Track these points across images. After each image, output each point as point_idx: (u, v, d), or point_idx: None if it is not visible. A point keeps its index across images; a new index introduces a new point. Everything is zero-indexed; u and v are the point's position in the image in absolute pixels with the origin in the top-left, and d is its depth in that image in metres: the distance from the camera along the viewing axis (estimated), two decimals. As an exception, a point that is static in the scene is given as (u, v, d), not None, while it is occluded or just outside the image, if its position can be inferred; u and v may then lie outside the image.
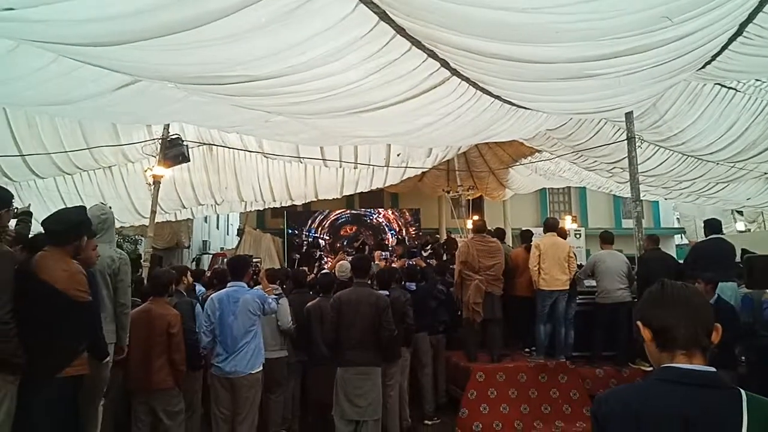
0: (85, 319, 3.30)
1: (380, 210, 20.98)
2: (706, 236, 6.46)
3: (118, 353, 4.10)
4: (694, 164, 9.42)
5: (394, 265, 8.82)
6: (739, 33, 4.24)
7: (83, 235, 3.44)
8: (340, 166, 10.22)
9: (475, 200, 19.19)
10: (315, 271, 12.07)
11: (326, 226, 20.40)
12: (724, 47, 4.50)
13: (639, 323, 1.54)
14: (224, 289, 4.89)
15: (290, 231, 19.69)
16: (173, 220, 12.17)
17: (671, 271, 6.15)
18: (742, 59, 4.71)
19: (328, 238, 20.00)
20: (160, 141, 7.68)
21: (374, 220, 20.52)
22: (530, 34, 3.36)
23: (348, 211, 20.71)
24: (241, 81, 3.83)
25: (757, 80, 6.84)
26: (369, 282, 5.27)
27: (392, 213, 20.66)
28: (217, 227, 26.18)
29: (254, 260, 12.19)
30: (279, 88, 4.11)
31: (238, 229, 21.86)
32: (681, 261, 7.04)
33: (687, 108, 7.37)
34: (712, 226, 6.48)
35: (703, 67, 5.01)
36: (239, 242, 17.36)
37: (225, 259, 14.04)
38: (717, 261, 5.84)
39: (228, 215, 26.71)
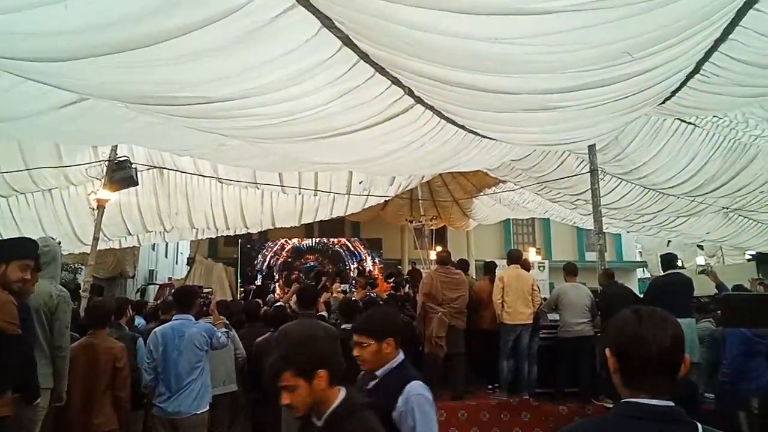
0: (12, 354, 3.08)
1: (341, 240, 20.91)
2: (663, 271, 6.66)
3: (56, 400, 3.87)
4: (655, 197, 9.79)
5: (354, 297, 8.75)
6: (696, 71, 4.49)
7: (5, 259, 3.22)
8: (299, 193, 10.18)
9: (439, 230, 19.37)
10: (269, 305, 11.88)
11: (283, 255, 20.18)
12: (683, 84, 4.75)
13: (607, 351, 1.54)
14: (169, 323, 4.73)
15: (244, 261, 19.37)
16: (117, 247, 11.80)
17: (630, 305, 6.28)
18: (700, 96, 4.98)
19: (284, 269, 19.78)
20: (106, 163, 7.49)
21: (335, 251, 20.43)
22: (495, 64, 3.47)
23: (306, 241, 20.58)
24: (196, 102, 3.79)
25: (714, 116, 7.22)
26: (317, 313, 5.23)
27: (354, 243, 20.62)
28: (166, 256, 25.56)
29: (205, 291, 11.89)
30: (236, 111, 4.09)
31: (188, 258, 21.37)
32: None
33: (648, 141, 7.69)
34: (669, 261, 6.66)
35: (663, 102, 5.26)
36: (189, 272, 17.00)
37: (172, 290, 13.68)
38: (674, 296, 5.95)
39: (177, 243, 26.13)
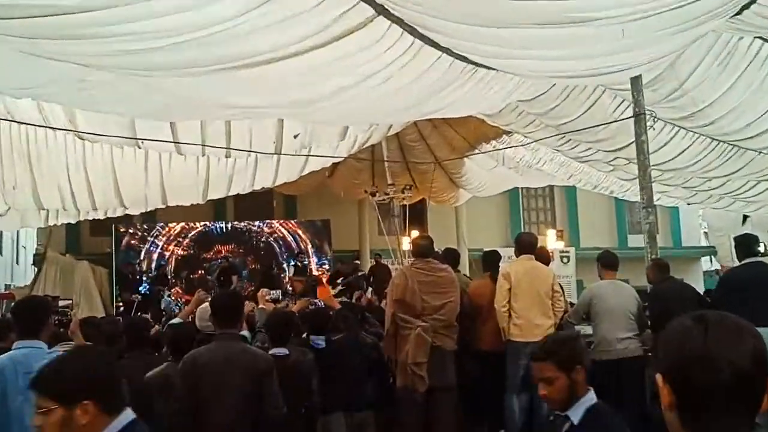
0: None
1: (272, 222, 20.85)
2: (739, 261, 6.83)
3: None
4: (727, 153, 9.97)
5: (291, 308, 8.72)
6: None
7: None
8: (203, 154, 10.02)
9: (415, 207, 19.50)
10: (162, 321, 11.78)
11: (182, 248, 20.01)
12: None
13: (658, 378, 1.54)
14: (7, 354, 4.66)
15: (122, 258, 19.11)
16: None
17: (692, 308, 6.43)
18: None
19: (183, 267, 19.63)
20: None
21: (260, 239, 20.37)
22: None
23: (213, 225, 20.46)
24: (44, 14, 3.69)
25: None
26: (242, 334, 5.22)
27: (288, 226, 20.60)
28: (0, 253, 25.07)
29: (61, 304, 11.70)
30: (104, 28, 3.99)
31: (34, 256, 20.93)
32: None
33: (717, 72, 7.79)
34: (746, 245, 6.81)
35: (739, 12, 5.33)
36: (37, 276, 16.79)
37: (11, 304, 13.39)
38: (755, 296, 6.06)
39: (17, 233, 25.69)
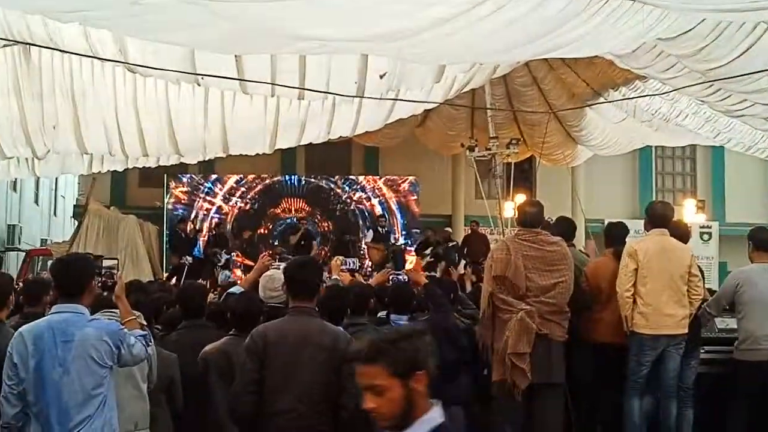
0: None
1: (352, 178, 20.98)
2: None
3: None
4: None
5: (369, 281, 8.81)
6: None
7: None
8: (272, 95, 10.13)
9: (522, 166, 19.34)
10: (220, 290, 12.07)
11: (244, 203, 20.37)
12: None
13: None
14: (45, 318, 4.83)
15: (176, 213, 19.57)
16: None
17: None
18: None
19: (244, 226, 19.99)
20: None
21: (335, 197, 20.56)
22: None
23: (282, 179, 20.73)
24: None
25: None
26: (318, 309, 5.26)
27: (370, 182, 20.70)
28: (36, 202, 25.88)
29: (104, 263, 12.03)
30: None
31: (75, 207, 21.59)
32: None
33: None
34: None
35: None
36: (77, 230, 17.24)
37: (50, 261, 13.89)
38: None
39: (56, 180, 26.50)
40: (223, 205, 20.28)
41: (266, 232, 20.13)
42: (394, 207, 20.52)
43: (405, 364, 2.72)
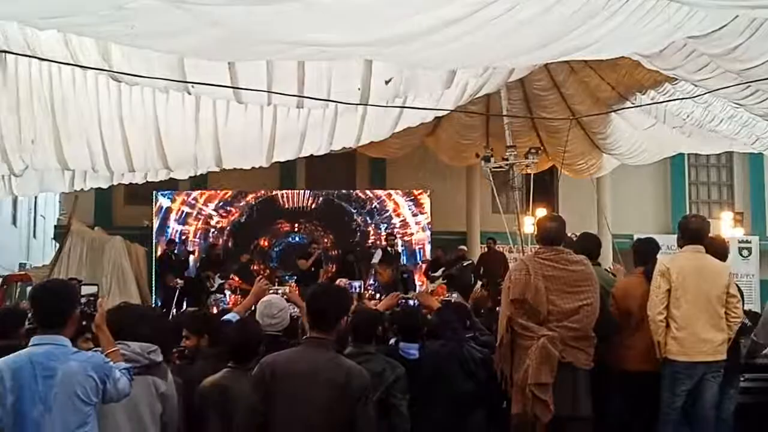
0: None
1: (356, 193, 20.99)
2: None
3: None
4: None
5: (377, 306, 8.84)
6: None
7: None
8: (269, 104, 10.17)
9: (542, 177, 19.31)
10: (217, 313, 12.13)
11: (240, 219, 20.40)
12: None
13: None
14: (25, 350, 4.83)
15: (165, 233, 19.61)
16: None
17: None
18: None
19: (243, 251, 19.99)
20: None
21: (339, 209, 20.57)
22: None
23: (283, 193, 20.76)
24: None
25: None
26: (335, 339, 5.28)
27: (378, 195, 20.70)
28: (14, 223, 25.91)
29: (87, 289, 12.04)
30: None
31: (56, 228, 21.58)
32: None
33: None
34: None
35: None
36: (59, 253, 17.23)
37: (29, 288, 13.92)
38: None
39: (35, 199, 26.59)
40: (218, 221, 20.32)
41: (267, 245, 20.26)
42: (408, 221, 20.54)
43: None
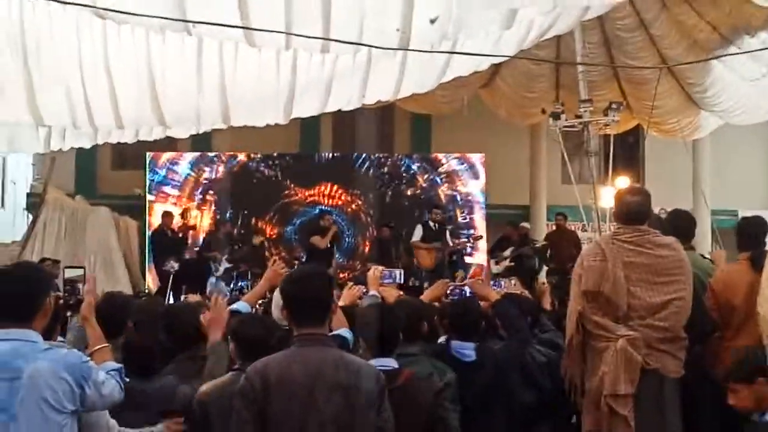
0: None
1: (394, 157, 21.04)
2: None
3: None
4: None
5: (421, 297, 8.77)
6: None
7: None
8: (287, 47, 10.10)
9: (625, 139, 19.28)
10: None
11: (252, 188, 20.50)
12: None
13: None
14: (-14, 347, 4.83)
15: (160, 203, 19.75)
16: None
17: None
18: None
19: (257, 231, 20.13)
20: None
21: (376, 178, 20.62)
22: None
23: (304, 157, 20.86)
24: None
25: None
26: (331, 334, 5.28)
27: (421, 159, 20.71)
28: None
29: (67, 274, 12.15)
30: None
31: (29, 196, 21.81)
32: None
33: None
34: None
35: None
36: (32, 226, 17.54)
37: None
38: None
39: (4, 160, 27.01)
40: (223, 189, 20.39)
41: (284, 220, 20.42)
42: (457, 192, 20.58)
43: None
